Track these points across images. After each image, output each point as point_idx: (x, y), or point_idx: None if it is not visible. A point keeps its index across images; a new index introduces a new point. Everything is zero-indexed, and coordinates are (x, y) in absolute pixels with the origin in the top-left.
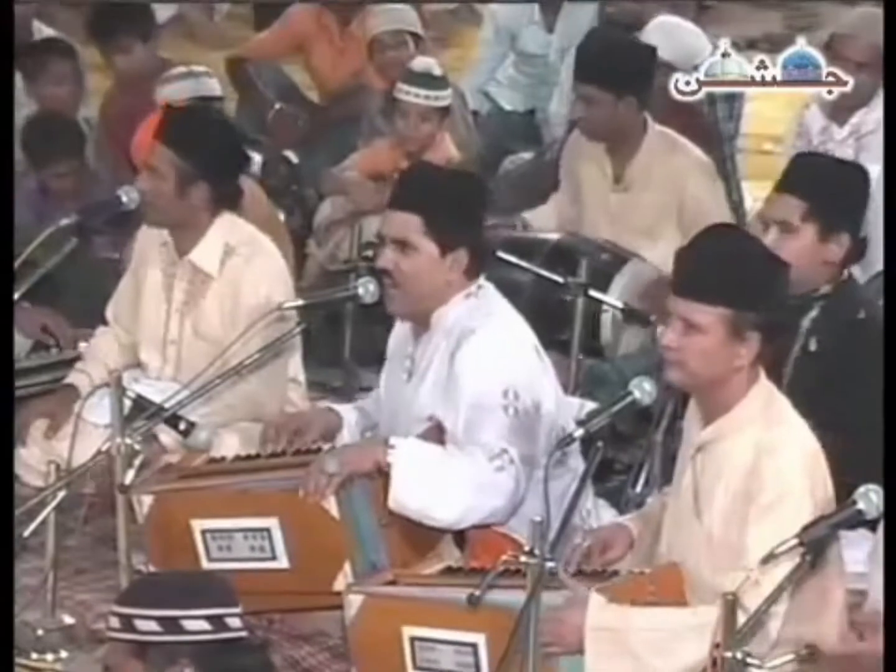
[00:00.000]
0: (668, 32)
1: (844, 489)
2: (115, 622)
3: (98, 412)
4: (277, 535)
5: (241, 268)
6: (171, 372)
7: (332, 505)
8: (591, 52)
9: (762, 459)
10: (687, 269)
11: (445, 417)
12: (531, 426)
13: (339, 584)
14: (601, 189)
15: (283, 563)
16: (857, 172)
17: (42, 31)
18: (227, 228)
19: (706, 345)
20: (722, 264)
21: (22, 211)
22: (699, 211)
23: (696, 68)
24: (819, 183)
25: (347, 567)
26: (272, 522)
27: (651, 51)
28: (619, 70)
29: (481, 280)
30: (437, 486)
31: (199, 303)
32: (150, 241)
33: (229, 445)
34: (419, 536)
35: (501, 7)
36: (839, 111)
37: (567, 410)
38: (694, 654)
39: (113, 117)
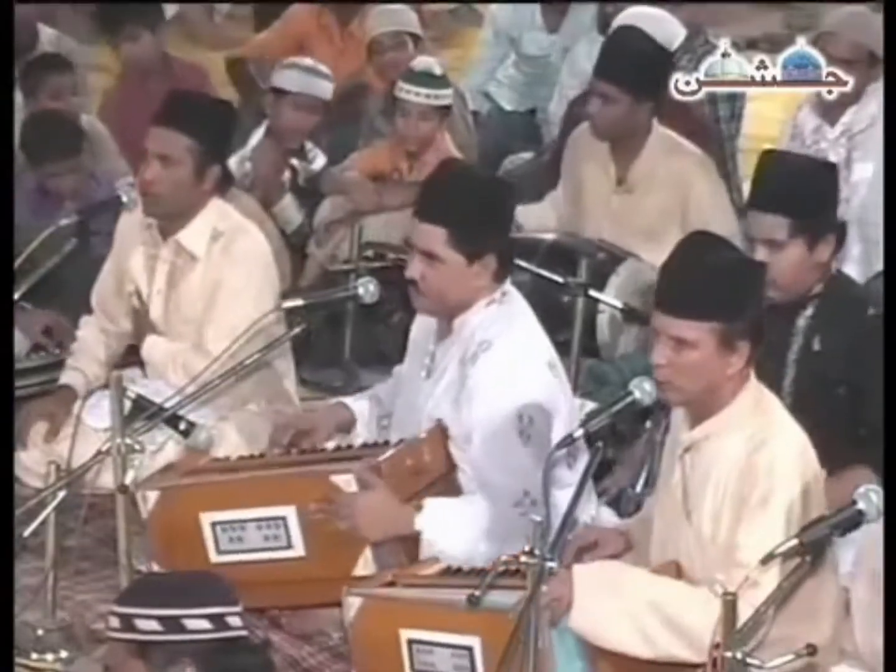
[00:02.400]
0: (638, 21)
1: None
2: (115, 622)
3: (97, 415)
4: (293, 523)
5: (222, 253)
6: None
7: (352, 487)
8: (617, 52)
9: (754, 455)
10: (671, 287)
11: (452, 424)
12: (543, 450)
13: (360, 569)
14: (603, 190)
15: (298, 551)
16: (827, 170)
17: (46, 33)
18: (217, 213)
19: (698, 359)
20: (705, 279)
21: (20, 210)
22: (703, 215)
23: (672, 56)
24: (796, 194)
25: (369, 552)
26: (288, 510)
27: (671, 57)
28: (642, 75)
29: (506, 286)
30: (468, 545)
31: (181, 285)
32: (132, 224)
33: (231, 441)
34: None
35: (502, 9)
36: (830, 110)
37: (575, 421)
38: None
39: (112, 111)
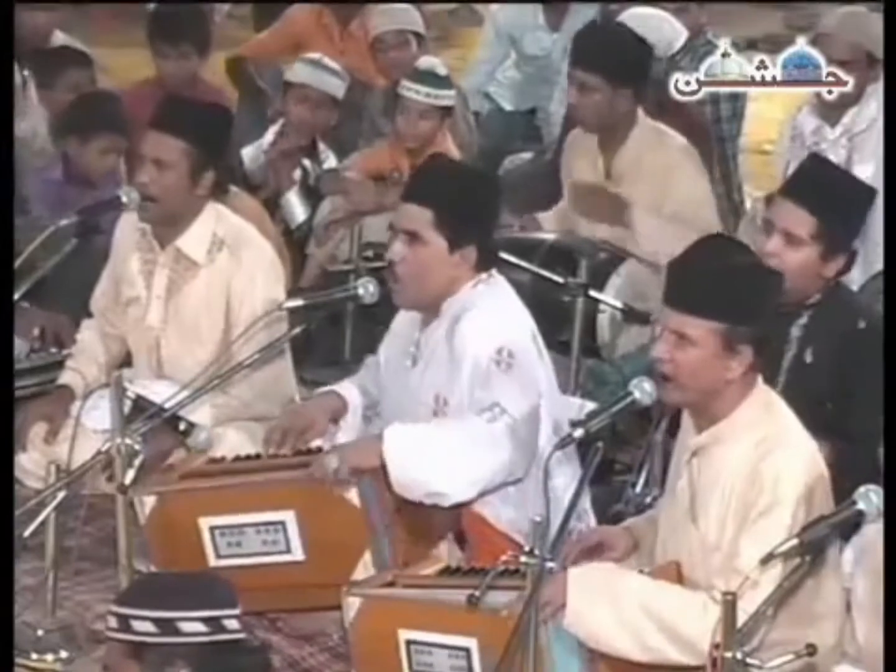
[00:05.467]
0: (641, 22)
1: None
2: (113, 622)
3: (96, 417)
4: (293, 528)
5: (231, 262)
6: (152, 360)
7: (353, 494)
8: (590, 40)
9: (761, 463)
10: (680, 282)
11: (451, 392)
12: (526, 383)
13: (360, 573)
14: (589, 175)
15: (297, 555)
16: (868, 192)
17: (59, 38)
18: (214, 218)
19: (698, 357)
20: (715, 278)
21: (39, 202)
22: (681, 205)
23: (673, 56)
24: (833, 201)
25: (368, 556)
26: (288, 515)
27: (649, 46)
28: (617, 61)
29: (493, 271)
30: (433, 457)
31: (183, 290)
32: (127, 229)
33: (228, 443)
34: (423, 536)
35: (503, 9)
36: (830, 111)
37: (562, 407)
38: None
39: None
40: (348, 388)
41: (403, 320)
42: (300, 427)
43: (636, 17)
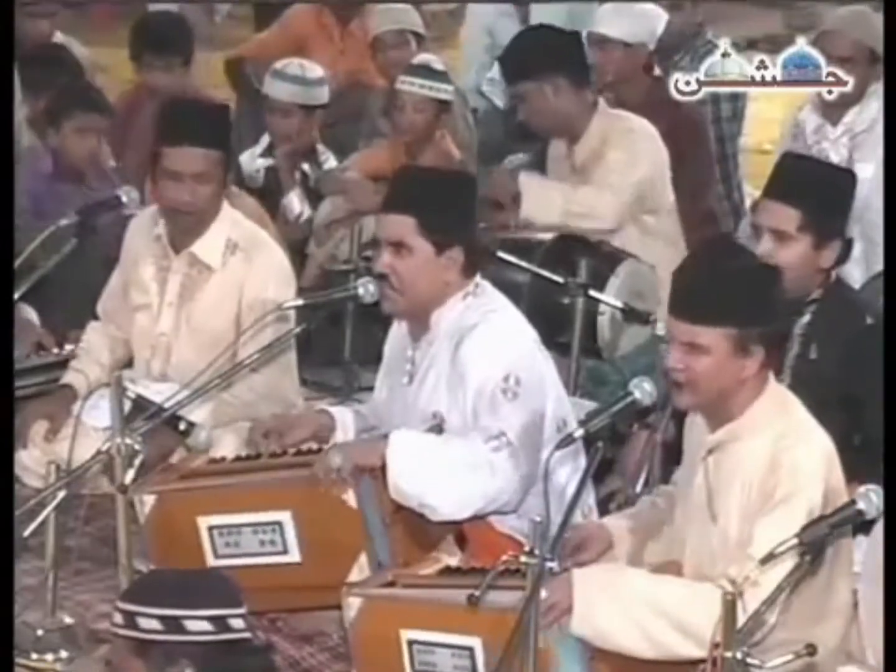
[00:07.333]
0: (618, 13)
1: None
2: (118, 619)
3: (97, 415)
4: (289, 529)
5: (244, 266)
6: (160, 365)
7: (349, 496)
8: (507, 53)
9: (781, 455)
10: (684, 292)
11: (450, 412)
12: (532, 411)
13: (355, 575)
14: (563, 178)
15: (294, 556)
16: (846, 177)
17: (58, 38)
18: (228, 223)
19: (712, 363)
20: (719, 284)
21: (32, 197)
22: (603, 175)
23: (671, 56)
24: (813, 191)
25: (363, 559)
26: (284, 516)
27: (571, 33)
28: (533, 57)
29: (478, 279)
30: (432, 470)
31: (196, 296)
32: (140, 234)
33: (228, 445)
34: (423, 536)
35: (480, 5)
36: (832, 110)
37: (568, 406)
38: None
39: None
40: (340, 410)
41: (393, 343)
42: (280, 429)
43: (610, 10)
